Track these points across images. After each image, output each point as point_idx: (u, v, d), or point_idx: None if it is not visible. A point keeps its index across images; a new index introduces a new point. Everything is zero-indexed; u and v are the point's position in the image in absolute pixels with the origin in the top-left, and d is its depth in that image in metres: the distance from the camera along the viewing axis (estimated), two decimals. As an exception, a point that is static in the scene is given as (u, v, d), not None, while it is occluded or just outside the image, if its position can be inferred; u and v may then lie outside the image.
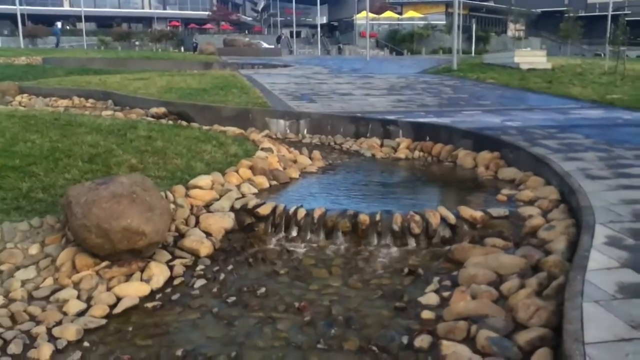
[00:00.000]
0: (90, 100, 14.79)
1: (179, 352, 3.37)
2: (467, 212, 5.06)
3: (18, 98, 15.51)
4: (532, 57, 21.28)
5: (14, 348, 3.45)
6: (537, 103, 12.56)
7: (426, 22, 54.43)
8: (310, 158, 8.00)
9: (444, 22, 53.84)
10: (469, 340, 3.30)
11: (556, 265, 3.88)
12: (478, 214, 5.04)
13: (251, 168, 6.63)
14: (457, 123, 9.05)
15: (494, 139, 7.73)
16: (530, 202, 5.37)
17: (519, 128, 8.57)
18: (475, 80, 17.88)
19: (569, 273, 3.48)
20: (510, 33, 58.51)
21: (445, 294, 3.97)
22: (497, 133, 8.03)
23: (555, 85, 15.51)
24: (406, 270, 4.48)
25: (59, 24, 50.18)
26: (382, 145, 9.08)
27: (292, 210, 5.35)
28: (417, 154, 8.56)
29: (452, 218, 5.01)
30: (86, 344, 3.54)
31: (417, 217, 5.04)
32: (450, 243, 4.84)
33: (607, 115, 10.48)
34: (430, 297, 3.96)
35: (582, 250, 3.75)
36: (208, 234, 5.10)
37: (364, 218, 5.11)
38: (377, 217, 5.10)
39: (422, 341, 3.37)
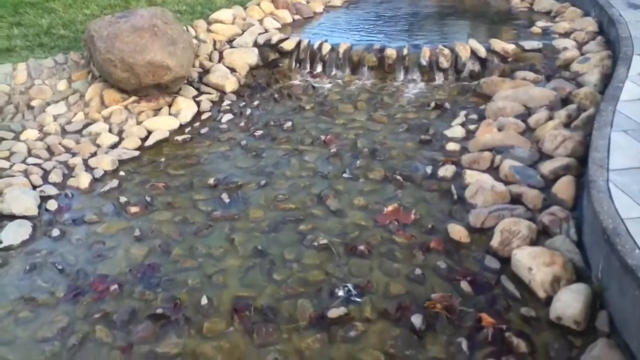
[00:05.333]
0: None
1: (211, 181, 3.51)
2: (498, 44, 4.87)
3: None
4: None
5: (55, 177, 3.63)
6: None
7: None
8: (334, -9, 7.60)
9: None
10: (493, 170, 3.35)
11: (587, 97, 3.79)
12: (510, 47, 4.84)
13: (273, 1, 6.36)
14: (493, -49, 8.36)
15: (532, -33, 7.18)
16: (566, 35, 5.12)
17: (560, -45, 7.91)
18: None
19: (599, 105, 3.41)
20: None
21: (472, 127, 3.96)
22: (536, -39, 7.43)
23: None
24: (432, 104, 4.44)
25: None
26: (411, -23, 8.55)
27: (316, 45, 5.22)
28: (448, -15, 8.06)
29: (482, 51, 4.84)
30: (122, 173, 3.70)
31: (446, 51, 4.88)
32: (480, 78, 4.72)
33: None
34: (455, 130, 3.96)
35: (616, 81, 3.63)
36: (232, 70, 5.06)
37: (390, 52, 4.97)
38: (405, 51, 4.96)
39: (446, 171, 3.43)
